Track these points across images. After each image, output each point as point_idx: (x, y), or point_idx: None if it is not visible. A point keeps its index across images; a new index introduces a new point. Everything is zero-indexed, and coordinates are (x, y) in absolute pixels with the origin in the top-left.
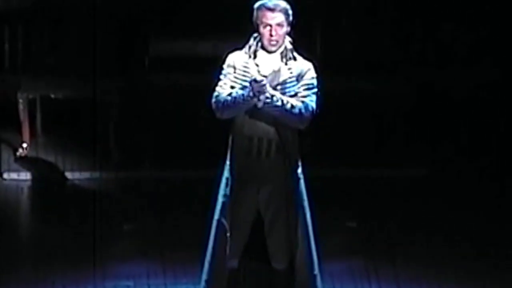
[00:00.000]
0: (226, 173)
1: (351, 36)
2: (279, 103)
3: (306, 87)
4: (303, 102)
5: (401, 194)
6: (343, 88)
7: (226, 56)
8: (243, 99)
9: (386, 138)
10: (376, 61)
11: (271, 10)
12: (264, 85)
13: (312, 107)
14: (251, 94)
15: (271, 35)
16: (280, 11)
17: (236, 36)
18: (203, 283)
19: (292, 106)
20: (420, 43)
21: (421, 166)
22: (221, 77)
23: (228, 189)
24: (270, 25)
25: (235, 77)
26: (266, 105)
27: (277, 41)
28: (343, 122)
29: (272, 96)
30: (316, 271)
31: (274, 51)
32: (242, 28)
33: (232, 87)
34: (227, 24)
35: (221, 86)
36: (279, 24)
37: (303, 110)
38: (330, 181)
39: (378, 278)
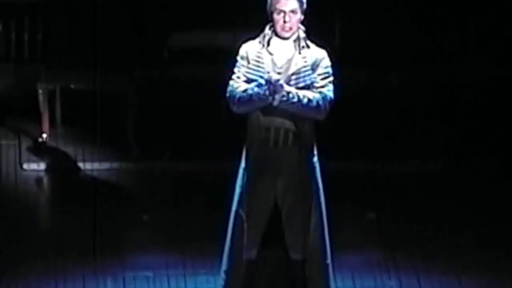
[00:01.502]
0: (243, 164)
1: (370, 28)
2: (296, 99)
3: (322, 76)
4: (320, 93)
5: (420, 187)
6: (361, 81)
7: (240, 47)
8: (259, 98)
9: (403, 131)
10: (394, 54)
11: None
12: (280, 84)
13: (330, 97)
14: (267, 93)
15: (284, 22)
16: None
17: (256, 27)
18: (222, 273)
19: (309, 100)
20: (439, 36)
21: (439, 160)
22: (235, 69)
23: (245, 179)
24: (284, 12)
25: (249, 68)
26: (283, 103)
27: (291, 28)
28: (360, 115)
29: (288, 93)
30: (329, 260)
31: (288, 38)
32: (262, 19)
33: (247, 80)
34: (247, 15)
35: (234, 79)
36: (292, 11)
37: (320, 102)
38: (348, 174)
39: (397, 270)
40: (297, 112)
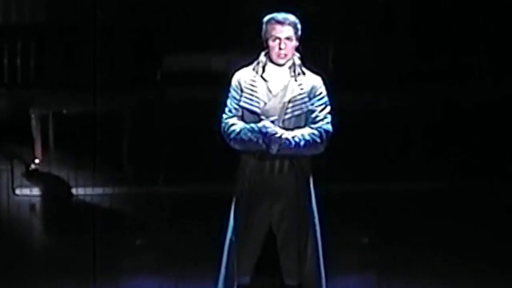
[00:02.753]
0: (238, 190)
1: (366, 51)
2: (293, 145)
3: (320, 107)
4: (318, 128)
5: (416, 209)
6: (359, 103)
7: (233, 75)
8: (253, 144)
9: (401, 152)
10: (393, 75)
11: (281, 23)
12: (277, 137)
13: (328, 131)
14: (260, 141)
15: (280, 49)
16: (289, 24)
17: (250, 50)
18: None
19: (307, 141)
20: (437, 56)
21: (438, 181)
22: (228, 101)
23: (241, 206)
24: (280, 39)
25: (242, 97)
26: (281, 150)
27: (286, 55)
28: (358, 137)
29: (286, 140)
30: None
31: (283, 64)
32: (256, 42)
33: (240, 109)
34: (241, 39)
35: (227, 113)
36: (288, 38)
37: (318, 140)
38: (346, 196)
39: None
40: (297, 153)
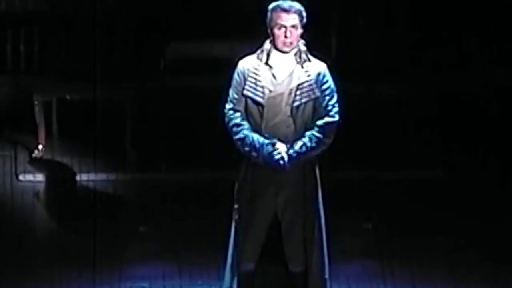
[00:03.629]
0: (243, 176)
1: (368, 39)
2: (303, 156)
3: (328, 96)
4: (322, 126)
5: (417, 196)
6: (358, 92)
7: (237, 63)
8: (262, 159)
9: (401, 140)
10: (393, 65)
11: (286, 11)
12: (285, 163)
13: (334, 122)
14: (260, 160)
15: (285, 37)
16: (295, 12)
17: (253, 37)
18: (224, 285)
19: (313, 147)
20: (436, 46)
21: (438, 168)
22: (230, 90)
23: (246, 192)
24: (285, 27)
25: (246, 84)
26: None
27: (291, 43)
28: (359, 125)
29: (297, 154)
30: (327, 275)
31: (288, 52)
32: (258, 29)
33: (244, 96)
34: (243, 26)
35: (230, 102)
36: (293, 26)
37: (325, 140)
38: (346, 183)
39: (394, 279)
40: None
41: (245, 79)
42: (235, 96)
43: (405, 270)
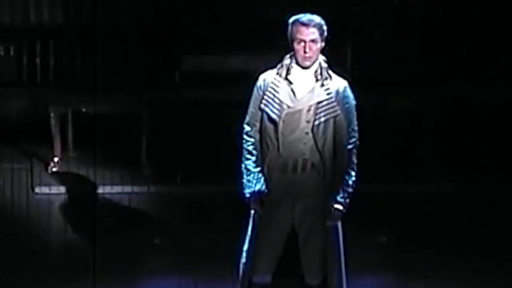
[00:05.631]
0: (261, 188)
1: (379, 51)
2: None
3: (349, 114)
4: (349, 149)
5: (433, 210)
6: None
7: (258, 77)
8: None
9: (415, 153)
10: (404, 76)
11: (306, 25)
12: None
13: (356, 145)
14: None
15: (305, 51)
16: (315, 26)
17: (267, 51)
18: None
19: (353, 176)
20: (446, 58)
21: (451, 182)
22: (251, 103)
23: (263, 203)
24: (304, 41)
25: (264, 99)
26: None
27: (311, 57)
28: (372, 138)
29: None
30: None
31: (308, 67)
32: (273, 42)
33: (261, 110)
34: (258, 39)
35: (248, 116)
36: (313, 40)
37: (354, 164)
38: (360, 197)
39: None
40: None
41: (263, 94)
42: (253, 110)
43: (420, 284)
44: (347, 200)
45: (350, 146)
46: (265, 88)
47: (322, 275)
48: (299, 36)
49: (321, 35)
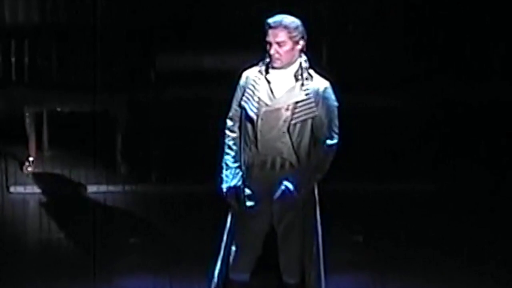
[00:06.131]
0: (239, 184)
1: (360, 51)
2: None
3: (328, 116)
4: (328, 139)
5: (409, 209)
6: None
7: (241, 73)
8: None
9: (394, 153)
10: (387, 76)
11: (272, 27)
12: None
13: (335, 142)
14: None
15: (273, 53)
16: (282, 28)
17: (243, 50)
18: None
19: (320, 173)
20: (430, 57)
21: (430, 181)
22: (234, 98)
23: (241, 201)
24: (271, 43)
25: (244, 96)
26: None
27: (279, 59)
28: (351, 137)
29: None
30: (323, 286)
31: (280, 68)
32: (249, 42)
33: (241, 107)
34: (234, 38)
35: (231, 109)
36: (279, 42)
37: (327, 162)
38: (339, 195)
39: None
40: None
41: (244, 90)
42: (235, 106)
43: (396, 283)
44: (303, 190)
45: (329, 143)
46: (246, 85)
47: (300, 274)
48: (267, 38)
49: (291, 37)
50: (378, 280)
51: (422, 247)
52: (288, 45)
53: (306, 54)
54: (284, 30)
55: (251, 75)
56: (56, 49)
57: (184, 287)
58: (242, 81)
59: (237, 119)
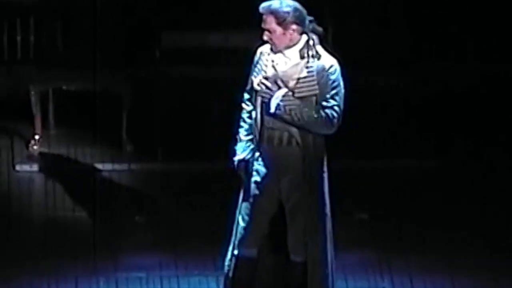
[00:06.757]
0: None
1: (362, 30)
2: (287, 116)
3: (330, 93)
4: (325, 109)
5: (412, 186)
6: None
7: (256, 49)
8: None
9: (396, 130)
10: (388, 55)
11: (261, 14)
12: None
13: (334, 115)
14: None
15: (268, 39)
16: (269, 14)
17: (247, 27)
18: (225, 268)
19: (309, 118)
20: (432, 36)
21: (432, 158)
22: (250, 72)
23: (252, 176)
24: (263, 29)
25: (254, 71)
26: (278, 112)
27: (275, 43)
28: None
29: (284, 107)
30: (328, 270)
31: (277, 50)
32: (254, 20)
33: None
34: (239, 16)
35: (247, 84)
36: (269, 27)
37: (321, 122)
38: (342, 173)
39: (390, 270)
40: (299, 126)
41: (255, 66)
42: (249, 81)
43: (401, 261)
44: (288, 111)
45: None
46: (257, 61)
47: (307, 253)
48: (261, 24)
49: (280, 23)
50: (383, 258)
51: (427, 225)
52: (278, 30)
53: (316, 32)
54: (271, 15)
55: (263, 51)
56: (61, 26)
57: (190, 265)
58: (256, 56)
59: (252, 92)
